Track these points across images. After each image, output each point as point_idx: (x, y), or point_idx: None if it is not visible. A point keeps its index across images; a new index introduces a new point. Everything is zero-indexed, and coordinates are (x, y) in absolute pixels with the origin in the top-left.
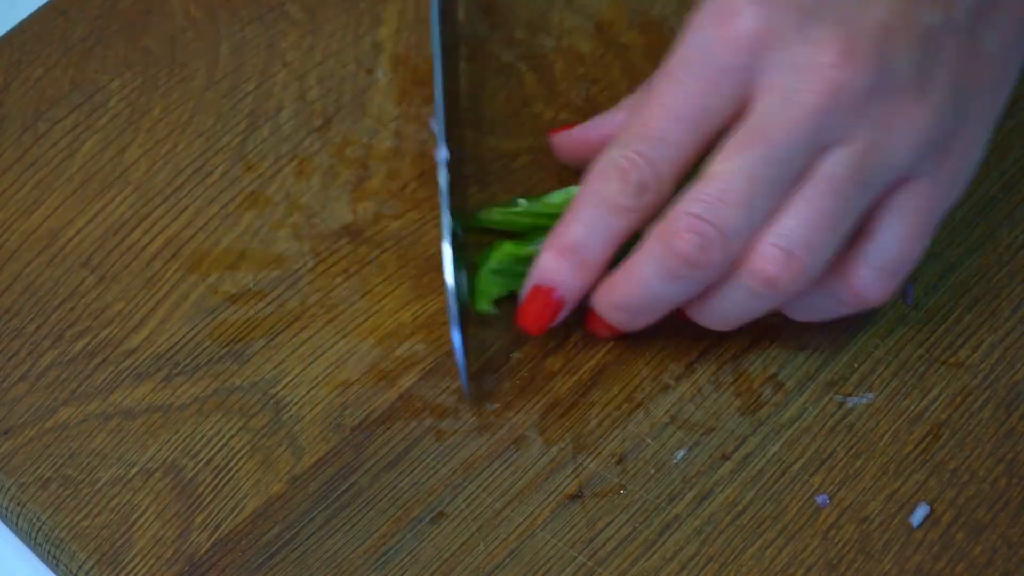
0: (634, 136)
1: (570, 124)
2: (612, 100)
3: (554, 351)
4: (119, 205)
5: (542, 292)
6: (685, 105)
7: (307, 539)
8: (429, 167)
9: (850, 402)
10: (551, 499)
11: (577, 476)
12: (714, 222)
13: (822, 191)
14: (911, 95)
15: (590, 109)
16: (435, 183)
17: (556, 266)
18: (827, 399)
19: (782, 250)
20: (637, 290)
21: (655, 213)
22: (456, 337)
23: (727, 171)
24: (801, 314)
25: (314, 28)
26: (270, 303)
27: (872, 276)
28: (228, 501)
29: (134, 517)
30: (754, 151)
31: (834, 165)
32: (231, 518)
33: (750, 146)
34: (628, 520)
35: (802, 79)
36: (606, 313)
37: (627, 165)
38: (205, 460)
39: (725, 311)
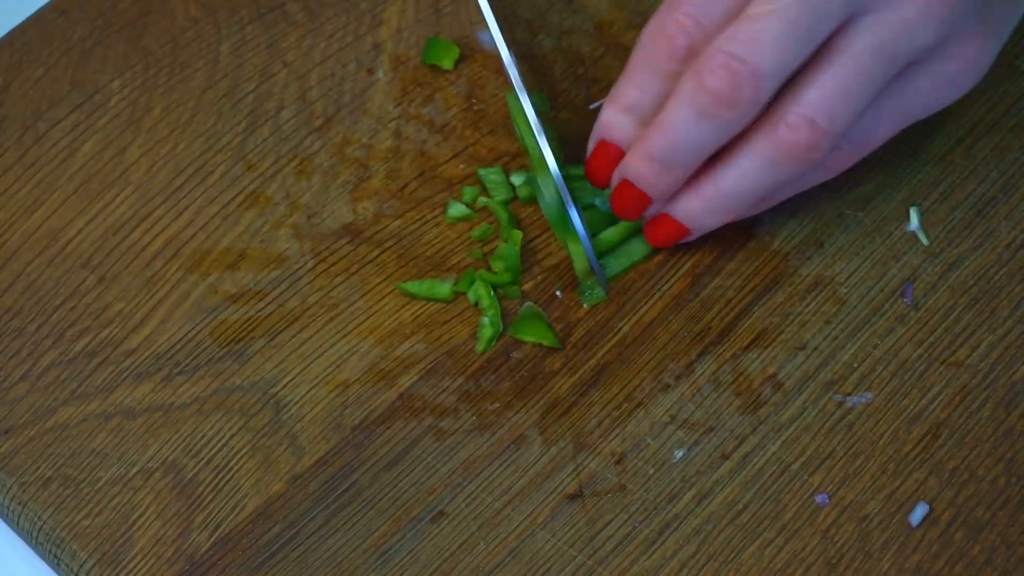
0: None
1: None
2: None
3: (554, 351)
4: (119, 205)
5: (604, 146)
6: None
7: (307, 538)
8: (429, 167)
9: (849, 401)
10: (551, 498)
11: (577, 476)
12: (748, 60)
13: (849, 68)
14: None
15: (590, 111)
16: (435, 184)
17: (616, 121)
18: (826, 398)
19: (807, 119)
20: (668, 134)
21: None
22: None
23: (765, 12)
24: (733, 182)
25: (314, 28)
26: (270, 303)
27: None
28: (228, 500)
29: (135, 516)
30: None
31: (863, 39)
32: (231, 517)
33: None
34: (628, 519)
35: None
36: (637, 167)
37: (674, 30)
38: (205, 460)
39: (733, 184)
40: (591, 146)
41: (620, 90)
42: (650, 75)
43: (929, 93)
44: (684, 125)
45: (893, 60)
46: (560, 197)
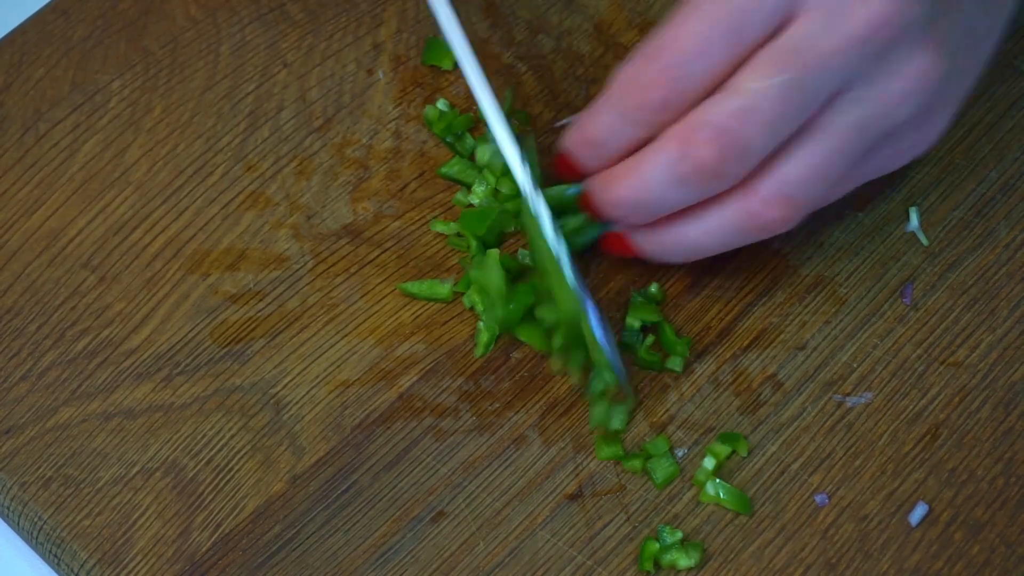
0: (664, 50)
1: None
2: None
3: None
4: (120, 205)
5: (565, 161)
6: (727, 16)
7: (307, 538)
8: (429, 167)
9: (849, 402)
10: (551, 499)
11: (577, 476)
12: (738, 137)
13: (832, 146)
14: (932, 44)
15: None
16: (435, 184)
17: (579, 152)
18: (826, 399)
19: (785, 198)
20: (641, 189)
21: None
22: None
23: (757, 89)
24: (693, 245)
25: (314, 28)
26: (270, 303)
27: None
28: (229, 500)
29: (135, 516)
30: (788, 73)
31: (848, 116)
32: (232, 517)
33: (785, 67)
34: (628, 520)
35: (850, 3)
36: (602, 205)
37: (650, 83)
38: (206, 460)
39: (696, 239)
40: (557, 154)
41: (587, 124)
42: (619, 119)
43: (892, 158)
44: (659, 186)
45: (873, 137)
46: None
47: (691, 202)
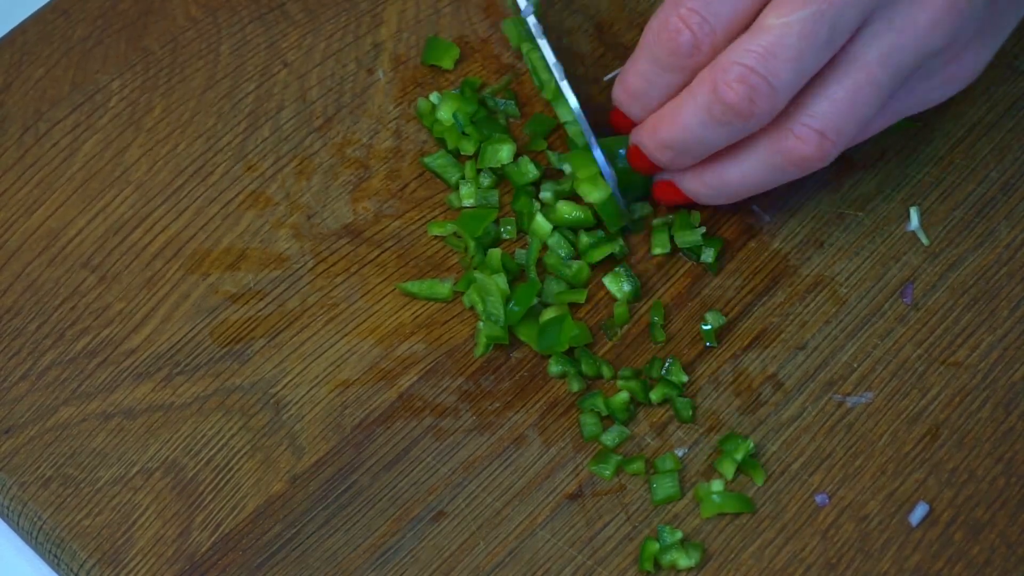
0: None
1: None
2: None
3: None
4: (120, 205)
5: (618, 114)
6: None
7: (307, 538)
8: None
9: (849, 401)
10: (551, 498)
11: (577, 476)
12: (765, 74)
13: (860, 79)
14: None
15: (589, 109)
16: (435, 184)
17: (624, 103)
18: (826, 399)
19: (816, 132)
20: (680, 131)
21: (709, 62)
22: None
23: (781, 25)
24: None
25: (314, 28)
26: (270, 303)
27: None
28: (229, 500)
29: (135, 516)
30: (809, 7)
31: (875, 48)
32: (232, 517)
33: (808, 1)
34: (628, 519)
35: None
36: (650, 150)
37: (679, 26)
38: (206, 459)
39: (738, 178)
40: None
41: (627, 77)
42: (654, 67)
43: (927, 92)
44: (697, 127)
45: (901, 69)
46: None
47: (729, 141)
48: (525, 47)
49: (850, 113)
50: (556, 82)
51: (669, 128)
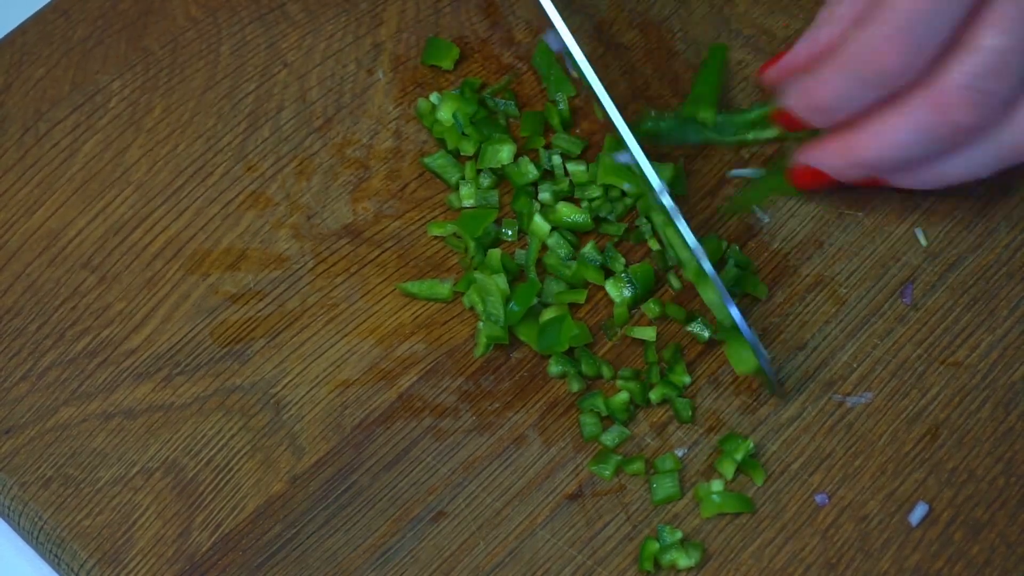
0: (897, 11)
1: (777, 56)
2: (612, 99)
3: None
4: (120, 205)
5: (789, 118)
6: None
7: (307, 538)
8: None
9: (849, 401)
10: (551, 498)
11: (577, 476)
12: (991, 94)
13: None
14: None
15: (589, 109)
16: (435, 184)
17: (807, 115)
18: (826, 399)
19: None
20: (890, 151)
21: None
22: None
23: (1000, 46)
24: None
25: (314, 28)
26: (270, 303)
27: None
28: (229, 500)
29: (135, 516)
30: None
31: None
32: (232, 517)
33: (1018, 21)
34: (628, 519)
35: None
36: (839, 167)
37: (886, 51)
38: (206, 460)
39: (959, 171)
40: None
41: (817, 91)
42: (854, 85)
43: None
44: (911, 147)
45: None
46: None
47: (944, 154)
48: (657, 217)
49: None
50: (699, 264)
51: (875, 147)
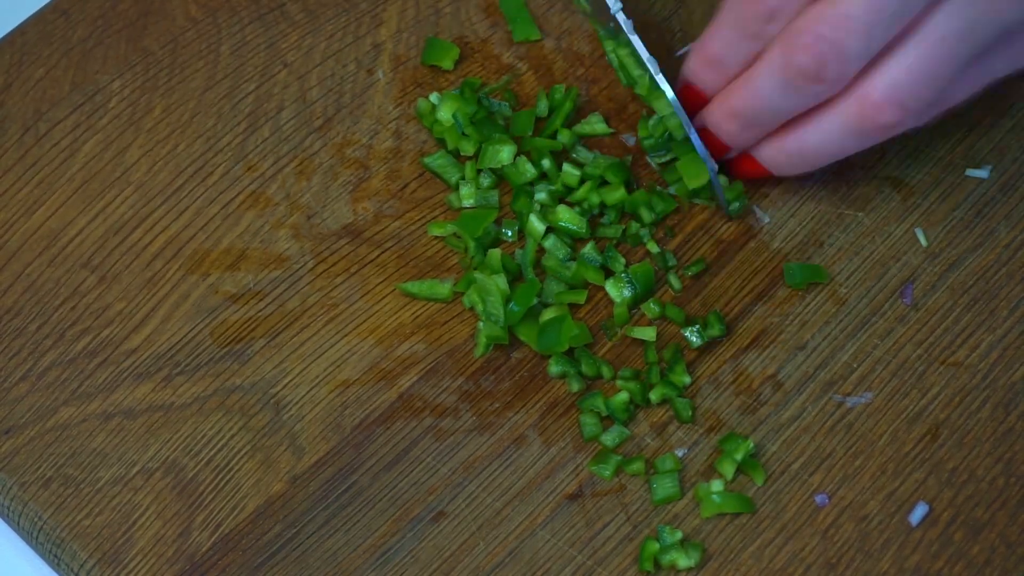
0: None
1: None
2: (612, 99)
3: None
4: (120, 205)
5: (687, 88)
6: None
7: (307, 538)
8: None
9: (849, 402)
10: (551, 499)
11: (577, 476)
12: (835, 41)
13: (937, 51)
14: None
15: (589, 110)
16: (435, 184)
17: (700, 71)
18: (826, 399)
19: (892, 99)
20: (752, 98)
21: None
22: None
23: (855, 3)
24: (809, 156)
25: (314, 28)
26: (270, 303)
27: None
28: (229, 500)
29: (135, 516)
30: None
31: (952, 22)
32: (232, 517)
33: None
34: (628, 520)
35: None
36: (719, 121)
37: None
38: (206, 460)
39: (816, 144)
40: (678, 86)
41: (705, 43)
42: (734, 32)
43: (1009, 59)
44: (769, 92)
45: (980, 41)
46: (681, 123)
47: (801, 108)
48: (609, 45)
49: (928, 82)
50: (651, 76)
51: (741, 96)
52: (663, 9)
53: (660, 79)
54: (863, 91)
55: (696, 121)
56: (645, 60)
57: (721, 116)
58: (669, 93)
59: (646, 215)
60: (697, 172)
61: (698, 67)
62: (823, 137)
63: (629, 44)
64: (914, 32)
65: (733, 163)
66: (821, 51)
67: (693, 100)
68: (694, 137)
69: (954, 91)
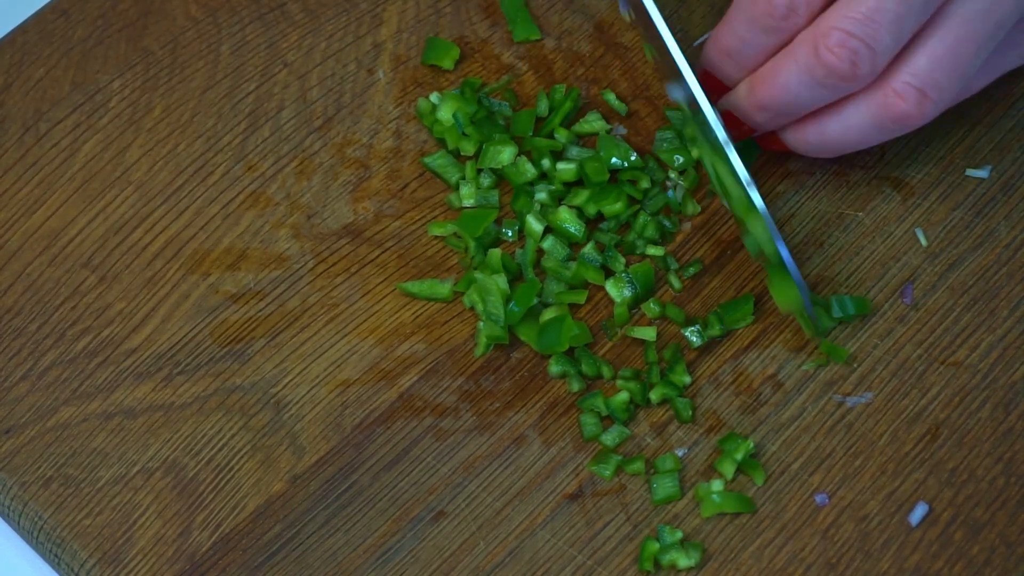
0: None
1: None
2: (703, 62)
3: None
4: (120, 205)
5: (706, 76)
6: None
7: (308, 538)
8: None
9: (849, 401)
10: (551, 498)
11: (577, 476)
12: (865, 38)
13: (960, 37)
14: None
15: (589, 109)
16: (435, 184)
17: (717, 62)
18: (826, 399)
19: (916, 89)
20: (780, 92)
21: (806, 26)
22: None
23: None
24: (834, 141)
25: (315, 28)
26: (270, 303)
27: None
28: (229, 500)
29: (135, 516)
30: None
31: (973, 5)
32: (232, 517)
33: None
34: (628, 519)
35: None
36: (746, 111)
37: None
38: (206, 459)
39: (838, 134)
40: (699, 71)
41: (720, 37)
42: (750, 27)
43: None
44: (797, 88)
45: (1001, 25)
46: (767, 230)
47: (827, 102)
48: (707, 159)
49: (951, 70)
50: (747, 198)
51: (767, 89)
52: (663, 9)
53: (758, 199)
54: (888, 82)
55: (719, 104)
56: (744, 182)
57: (748, 107)
58: (769, 223)
59: (649, 235)
60: (788, 296)
61: (715, 58)
62: (847, 127)
63: (724, 159)
64: (938, 19)
65: (760, 137)
66: (852, 49)
67: (713, 87)
68: (787, 258)
69: (974, 81)
